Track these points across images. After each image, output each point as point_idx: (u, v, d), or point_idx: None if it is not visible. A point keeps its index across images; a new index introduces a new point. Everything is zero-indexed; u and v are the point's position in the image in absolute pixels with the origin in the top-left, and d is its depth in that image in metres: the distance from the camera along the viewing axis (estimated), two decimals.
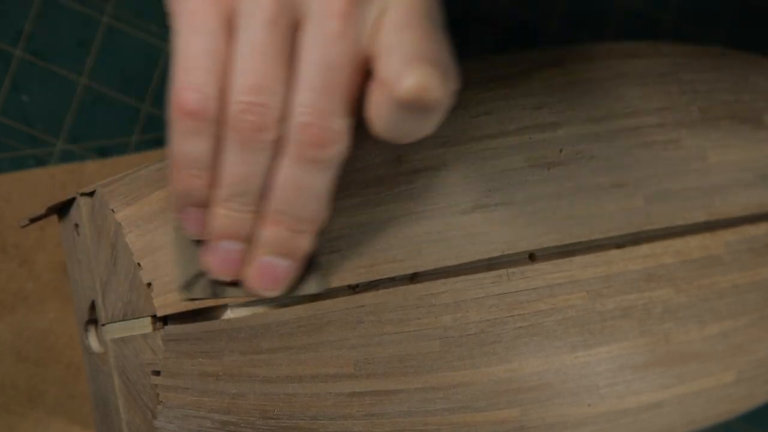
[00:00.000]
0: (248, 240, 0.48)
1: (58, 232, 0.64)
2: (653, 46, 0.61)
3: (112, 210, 0.51)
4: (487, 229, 0.52)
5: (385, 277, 0.51)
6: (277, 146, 0.46)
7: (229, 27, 0.45)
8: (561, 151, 0.54)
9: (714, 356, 0.56)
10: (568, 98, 0.55)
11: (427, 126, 0.46)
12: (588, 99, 0.56)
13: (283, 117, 0.46)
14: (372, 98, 0.45)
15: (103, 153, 0.65)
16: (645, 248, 0.54)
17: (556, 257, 0.53)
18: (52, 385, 0.63)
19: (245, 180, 0.46)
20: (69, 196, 0.55)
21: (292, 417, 0.50)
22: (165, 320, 0.49)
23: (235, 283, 0.49)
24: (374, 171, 0.51)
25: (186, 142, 0.46)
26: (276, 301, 0.50)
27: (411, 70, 0.44)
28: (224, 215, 0.47)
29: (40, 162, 0.65)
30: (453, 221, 0.52)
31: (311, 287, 0.49)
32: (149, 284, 0.49)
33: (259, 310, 0.50)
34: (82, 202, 0.54)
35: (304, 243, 0.48)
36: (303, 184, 0.46)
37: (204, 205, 0.48)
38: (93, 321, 0.55)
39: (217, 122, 0.46)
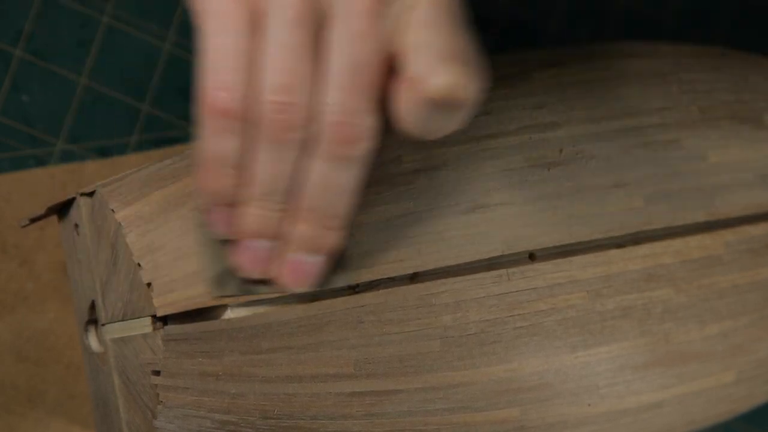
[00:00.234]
0: (277, 237, 0.48)
1: (58, 232, 0.64)
2: (653, 46, 0.61)
3: (112, 210, 0.51)
4: (487, 229, 0.52)
5: (385, 277, 0.51)
6: (306, 144, 0.46)
7: (257, 26, 0.46)
8: (561, 151, 0.54)
9: (714, 356, 0.56)
10: (568, 98, 0.55)
11: (455, 123, 0.46)
12: (588, 99, 0.56)
13: (312, 115, 0.46)
14: (400, 96, 0.46)
15: (103, 153, 0.65)
16: (645, 248, 0.54)
17: (556, 257, 0.53)
18: (52, 385, 0.63)
19: (275, 178, 0.47)
20: (69, 196, 0.55)
21: (292, 417, 0.50)
22: (165, 320, 0.49)
23: (263, 280, 0.49)
24: (374, 171, 0.51)
25: (217, 141, 0.46)
26: (276, 300, 0.50)
27: (441, 69, 0.44)
28: (254, 214, 0.48)
29: (40, 162, 0.65)
30: (453, 221, 0.52)
31: (340, 280, 0.50)
32: (149, 284, 0.49)
33: (259, 310, 0.50)
34: (82, 202, 0.54)
35: (333, 239, 0.48)
36: (333, 182, 0.47)
37: (232, 204, 0.48)
38: (93, 321, 0.55)
39: (247, 121, 0.46)
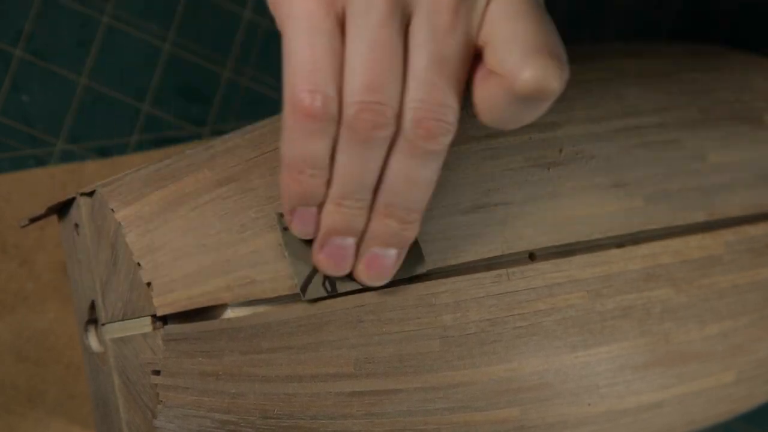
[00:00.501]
0: (358, 234, 0.48)
1: (58, 232, 0.64)
2: (653, 46, 0.61)
3: (112, 210, 0.51)
4: (486, 229, 0.52)
5: None
6: (388, 140, 0.46)
7: (342, 27, 0.46)
8: (561, 151, 0.54)
9: (714, 356, 0.56)
10: (568, 98, 0.55)
11: (538, 114, 0.46)
12: (588, 99, 0.56)
13: (398, 113, 0.46)
14: (485, 89, 0.46)
15: (103, 153, 0.65)
16: (645, 248, 0.54)
17: (556, 257, 0.53)
18: (52, 385, 0.63)
19: (361, 177, 0.47)
20: (69, 196, 0.55)
21: (292, 417, 0.50)
22: (165, 320, 0.49)
23: (342, 277, 0.50)
24: None
25: (306, 143, 0.46)
26: (276, 300, 0.50)
27: (530, 62, 0.44)
28: (338, 212, 0.48)
29: (40, 162, 0.65)
30: (453, 221, 0.52)
31: (415, 270, 0.50)
32: (149, 284, 0.49)
33: (258, 309, 0.50)
34: (82, 202, 0.54)
35: (412, 232, 0.49)
36: (414, 176, 0.47)
37: (316, 204, 0.48)
38: (93, 321, 0.55)
39: (335, 122, 0.46)
